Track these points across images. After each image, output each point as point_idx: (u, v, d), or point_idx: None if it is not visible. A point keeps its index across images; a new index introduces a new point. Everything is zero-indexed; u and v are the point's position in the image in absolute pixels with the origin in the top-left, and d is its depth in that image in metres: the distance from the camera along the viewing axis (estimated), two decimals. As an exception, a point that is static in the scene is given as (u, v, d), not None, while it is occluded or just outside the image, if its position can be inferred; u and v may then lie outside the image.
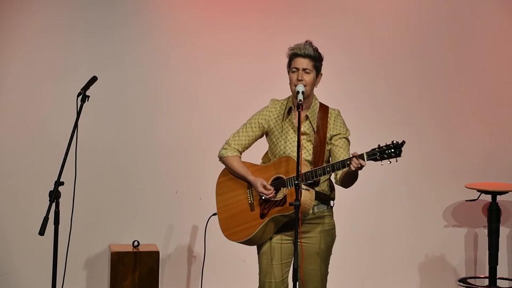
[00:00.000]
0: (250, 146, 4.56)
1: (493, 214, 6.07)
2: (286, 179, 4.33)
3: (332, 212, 4.49)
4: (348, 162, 4.14)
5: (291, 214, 4.25)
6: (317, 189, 4.36)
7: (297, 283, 4.14)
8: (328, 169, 4.23)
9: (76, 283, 6.07)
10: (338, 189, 4.50)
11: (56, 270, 4.26)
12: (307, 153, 4.38)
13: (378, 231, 6.40)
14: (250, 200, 4.44)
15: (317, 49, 4.39)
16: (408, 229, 6.41)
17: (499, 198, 6.11)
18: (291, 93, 4.45)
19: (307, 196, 4.27)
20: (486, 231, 6.19)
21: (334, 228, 4.49)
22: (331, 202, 4.49)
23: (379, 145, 4.12)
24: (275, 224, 4.39)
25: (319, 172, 4.24)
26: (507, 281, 6.32)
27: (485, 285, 6.20)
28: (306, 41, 4.41)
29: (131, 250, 5.73)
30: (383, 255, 6.40)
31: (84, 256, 6.09)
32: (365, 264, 6.39)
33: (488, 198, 6.12)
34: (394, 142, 4.07)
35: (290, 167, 4.33)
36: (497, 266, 6.08)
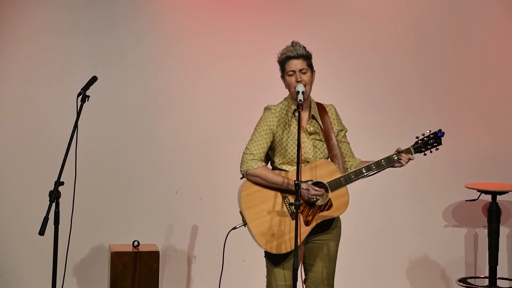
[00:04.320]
0: None
1: (493, 214, 6.08)
2: (327, 182, 4.25)
3: None
4: (396, 158, 4.25)
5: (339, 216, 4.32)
6: None
7: (301, 284, 4.14)
8: (373, 166, 4.26)
9: (76, 283, 6.07)
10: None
11: (56, 270, 4.25)
12: (322, 154, 4.34)
13: (378, 231, 6.40)
14: (290, 209, 4.27)
15: (305, 47, 4.35)
16: (408, 229, 6.41)
17: (499, 198, 6.11)
18: (283, 97, 4.42)
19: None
20: (486, 231, 6.19)
21: (341, 226, 4.49)
22: None
23: (417, 137, 4.28)
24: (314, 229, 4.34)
25: (364, 171, 4.26)
26: (507, 281, 6.32)
27: (485, 285, 6.20)
28: (293, 42, 4.36)
29: (131, 250, 5.73)
30: (383, 255, 6.40)
31: (84, 256, 6.09)
32: (364, 263, 6.39)
33: (488, 198, 6.12)
34: (432, 132, 4.29)
35: (327, 170, 4.28)
36: (497, 266, 6.08)
